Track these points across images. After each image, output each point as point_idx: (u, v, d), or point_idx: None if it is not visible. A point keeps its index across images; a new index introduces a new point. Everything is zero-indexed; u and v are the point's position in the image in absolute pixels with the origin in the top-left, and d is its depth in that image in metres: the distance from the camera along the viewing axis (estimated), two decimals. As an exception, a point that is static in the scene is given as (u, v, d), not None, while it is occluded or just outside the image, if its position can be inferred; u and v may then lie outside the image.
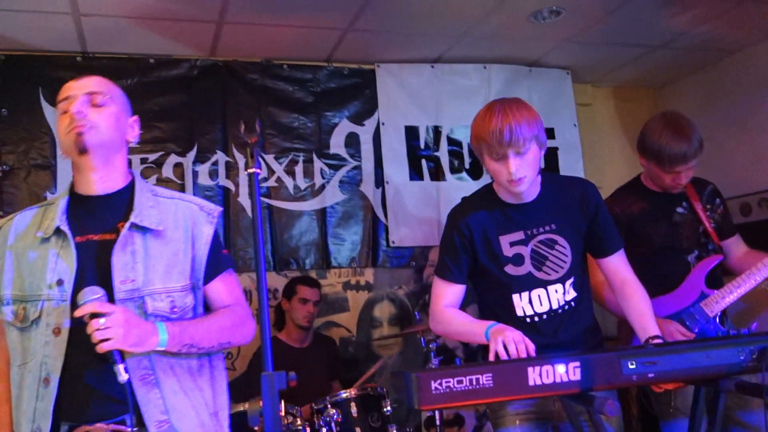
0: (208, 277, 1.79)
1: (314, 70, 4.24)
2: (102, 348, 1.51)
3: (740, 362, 1.66)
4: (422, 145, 4.37)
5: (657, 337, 2.09)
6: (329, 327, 4.04)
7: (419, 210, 4.29)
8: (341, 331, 4.10)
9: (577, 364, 1.64)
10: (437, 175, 4.38)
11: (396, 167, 4.29)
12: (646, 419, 3.60)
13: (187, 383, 1.72)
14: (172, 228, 1.76)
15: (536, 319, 2.20)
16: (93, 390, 1.62)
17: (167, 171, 3.90)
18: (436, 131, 4.40)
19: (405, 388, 1.62)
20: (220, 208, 1.90)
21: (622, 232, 2.36)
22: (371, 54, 4.22)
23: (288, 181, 4.11)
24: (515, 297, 2.19)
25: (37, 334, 1.65)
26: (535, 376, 1.62)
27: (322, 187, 4.16)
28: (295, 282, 3.75)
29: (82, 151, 1.68)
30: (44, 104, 3.74)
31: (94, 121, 1.69)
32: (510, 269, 2.18)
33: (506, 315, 2.18)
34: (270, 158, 4.09)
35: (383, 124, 4.30)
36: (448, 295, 2.22)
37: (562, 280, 2.19)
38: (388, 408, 2.86)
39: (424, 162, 4.36)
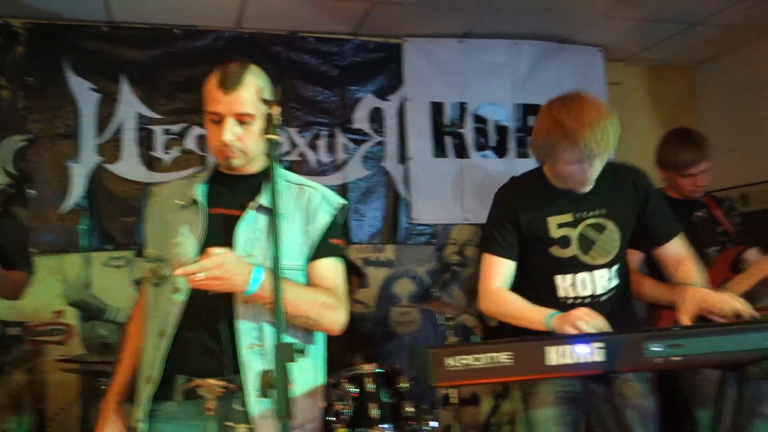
0: (314, 256, 1.83)
1: (340, 43, 4.19)
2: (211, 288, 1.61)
3: (767, 347, 1.60)
4: (447, 122, 4.30)
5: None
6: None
7: (442, 187, 4.24)
8: (359, 306, 4.08)
9: (600, 344, 1.58)
10: (462, 152, 4.32)
11: (420, 143, 4.23)
12: (668, 407, 3.53)
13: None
14: (294, 211, 1.83)
15: (578, 302, 2.14)
16: (206, 348, 1.71)
17: (190, 142, 3.89)
18: (462, 108, 4.33)
19: (421, 365, 1.59)
20: (344, 201, 1.95)
21: None
22: (398, 28, 4.14)
23: (310, 156, 4.08)
24: (558, 278, 2.15)
25: (164, 291, 1.77)
26: (556, 355, 1.57)
27: (345, 162, 4.12)
28: (350, 272, 3.71)
29: (230, 169, 1.83)
30: (69, 74, 3.75)
31: (242, 146, 1.77)
32: (555, 250, 2.14)
33: (547, 297, 2.14)
34: (293, 132, 4.06)
35: (408, 99, 4.24)
36: (499, 271, 2.17)
37: (608, 266, 2.16)
38: (405, 384, 2.83)
39: (448, 138, 4.30)
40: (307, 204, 1.86)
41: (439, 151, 4.28)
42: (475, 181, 4.27)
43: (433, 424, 2.78)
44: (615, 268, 2.18)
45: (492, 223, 2.22)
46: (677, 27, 4.23)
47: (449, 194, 4.26)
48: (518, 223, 2.16)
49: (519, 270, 2.23)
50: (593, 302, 2.13)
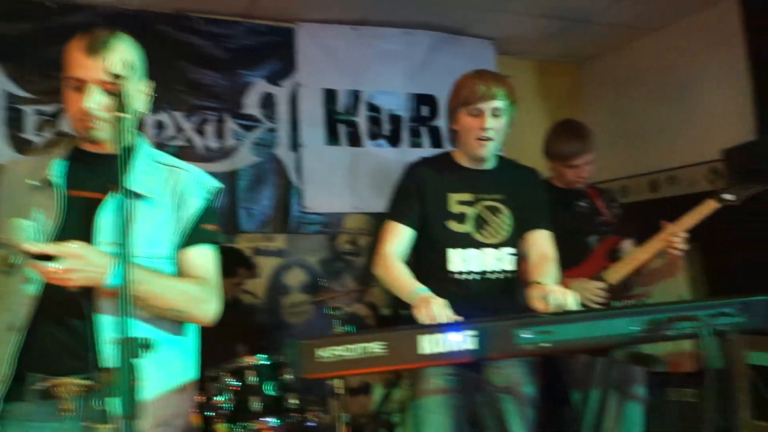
0: (185, 244, 1.73)
1: (230, 25, 4.04)
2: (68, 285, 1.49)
3: (633, 332, 1.66)
4: (341, 109, 4.26)
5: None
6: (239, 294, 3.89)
7: (335, 176, 4.19)
8: (249, 297, 3.97)
9: (473, 332, 1.59)
10: (355, 140, 4.28)
11: (312, 131, 4.16)
12: (553, 389, 3.65)
13: (157, 354, 1.58)
14: (163, 196, 1.73)
15: (468, 277, 2.26)
16: (62, 344, 1.59)
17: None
18: (356, 96, 4.29)
19: (293, 357, 1.54)
20: (219, 185, 1.85)
21: None
22: (291, 12, 4.05)
23: (198, 141, 3.92)
24: (450, 252, 2.26)
25: (15, 280, 1.61)
26: (429, 344, 1.57)
27: (234, 148, 3.99)
28: (238, 263, 3.60)
29: (93, 143, 1.69)
30: None
31: (106, 117, 1.62)
32: (451, 224, 2.28)
33: (439, 271, 2.25)
34: (179, 116, 3.89)
35: (301, 85, 4.16)
36: (395, 236, 2.26)
37: (497, 246, 2.30)
38: (289, 376, 2.76)
39: (341, 126, 4.25)
40: (177, 187, 1.75)
41: (332, 139, 4.22)
42: (368, 170, 4.25)
43: (309, 416, 2.75)
44: (506, 251, 2.32)
45: (397, 193, 2.35)
46: (564, 24, 4.37)
47: (342, 183, 4.22)
48: (422, 194, 2.29)
49: (417, 244, 2.32)
50: (481, 279, 2.27)
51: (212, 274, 1.78)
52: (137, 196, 1.68)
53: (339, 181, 4.21)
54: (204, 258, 1.77)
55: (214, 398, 2.61)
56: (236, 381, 2.65)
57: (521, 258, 2.43)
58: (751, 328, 1.71)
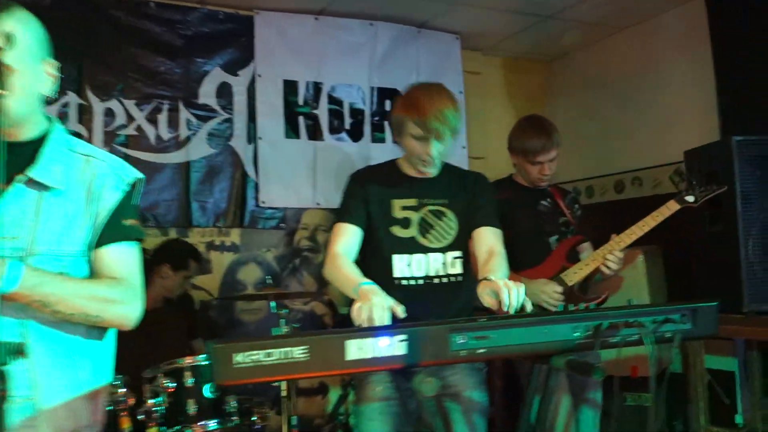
0: (101, 242, 1.60)
1: (186, 11, 3.89)
2: None
3: (574, 339, 1.57)
4: (301, 101, 4.14)
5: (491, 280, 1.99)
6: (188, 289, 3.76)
7: (293, 169, 4.07)
8: (202, 293, 3.84)
9: (403, 337, 1.48)
10: (315, 134, 4.16)
11: (271, 123, 4.03)
12: (511, 392, 3.59)
13: (63, 359, 1.53)
14: (76, 188, 1.59)
15: (412, 282, 2.25)
16: None
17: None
18: (317, 88, 4.17)
19: (210, 361, 1.42)
20: (140, 176, 1.71)
21: None
22: (249, -1, 3.92)
23: (149, 131, 3.77)
24: (395, 258, 2.26)
25: None
26: (356, 349, 1.46)
27: (188, 139, 3.84)
28: (189, 255, 3.46)
29: None
30: None
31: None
32: (396, 230, 2.29)
33: (384, 276, 2.21)
34: (130, 104, 3.73)
35: (259, 75, 4.02)
36: (343, 236, 2.25)
37: (443, 250, 2.29)
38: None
39: (301, 119, 4.13)
40: (92, 179, 1.61)
41: (292, 131, 4.10)
42: (328, 165, 4.13)
43: (254, 418, 2.64)
44: (452, 255, 2.30)
45: (344, 198, 2.36)
46: (531, 19, 4.29)
47: (301, 177, 4.10)
48: (367, 199, 2.30)
49: (362, 250, 2.30)
50: (426, 284, 2.26)
51: (132, 273, 1.64)
52: (45, 187, 1.55)
53: (298, 176, 4.09)
54: (122, 256, 1.63)
55: (148, 401, 2.47)
56: (173, 382, 2.52)
57: (472, 258, 2.36)
58: (698, 335, 1.64)
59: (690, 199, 2.89)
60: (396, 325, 1.63)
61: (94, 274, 1.60)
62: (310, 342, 1.44)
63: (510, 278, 2.71)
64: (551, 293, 2.82)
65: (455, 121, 2.21)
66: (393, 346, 1.48)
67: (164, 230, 3.77)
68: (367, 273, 2.23)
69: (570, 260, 2.96)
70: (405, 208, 2.31)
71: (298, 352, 1.43)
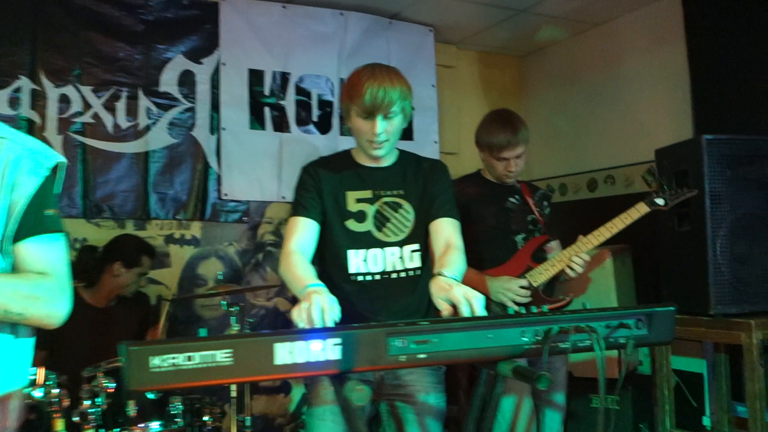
0: (20, 236, 1.48)
1: (147, -5, 3.75)
2: None
3: (523, 344, 1.47)
4: (267, 92, 4.02)
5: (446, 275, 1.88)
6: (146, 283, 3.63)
7: (258, 161, 3.95)
8: (160, 288, 3.72)
9: (337, 340, 1.38)
10: (281, 125, 4.05)
11: (235, 113, 3.91)
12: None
13: None
14: None
15: (368, 278, 2.16)
16: None
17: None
18: (284, 78, 4.06)
19: (124, 365, 1.31)
20: (62, 160, 1.57)
21: (458, 211, 2.31)
22: (215, -15, 3.79)
23: (107, 119, 3.62)
24: (350, 253, 2.16)
25: None
26: (285, 353, 1.35)
27: (147, 128, 3.71)
28: (141, 251, 3.32)
29: None
30: None
31: None
32: (350, 224, 2.18)
33: (339, 272, 2.16)
34: (87, 91, 3.58)
35: (224, 64, 3.90)
36: (298, 230, 2.13)
37: (400, 244, 2.18)
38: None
39: (267, 110, 4.01)
40: (5, 163, 1.47)
41: (257, 122, 3.98)
42: (294, 157, 4.00)
43: (206, 418, 2.52)
44: (410, 249, 2.19)
45: (297, 191, 2.24)
46: (505, 13, 4.20)
47: (266, 170, 3.98)
48: (320, 192, 2.19)
49: (319, 248, 2.18)
50: (383, 279, 2.16)
51: (58, 268, 1.52)
52: None
53: (262, 168, 3.97)
54: (46, 250, 1.51)
55: (84, 402, 2.34)
56: (113, 382, 2.39)
57: (430, 251, 2.26)
58: (653, 341, 1.55)
59: (660, 202, 2.83)
60: (329, 328, 1.53)
61: (16, 269, 1.49)
62: (235, 345, 1.33)
63: (472, 277, 2.67)
64: (516, 290, 2.75)
65: (401, 97, 2.08)
66: (326, 350, 1.38)
67: (121, 222, 3.63)
68: (323, 268, 2.20)
69: (536, 260, 2.88)
70: (360, 200, 2.20)
71: (221, 356, 1.32)
